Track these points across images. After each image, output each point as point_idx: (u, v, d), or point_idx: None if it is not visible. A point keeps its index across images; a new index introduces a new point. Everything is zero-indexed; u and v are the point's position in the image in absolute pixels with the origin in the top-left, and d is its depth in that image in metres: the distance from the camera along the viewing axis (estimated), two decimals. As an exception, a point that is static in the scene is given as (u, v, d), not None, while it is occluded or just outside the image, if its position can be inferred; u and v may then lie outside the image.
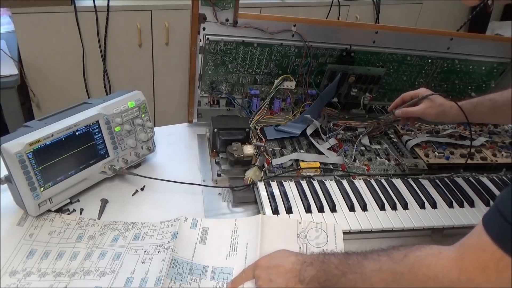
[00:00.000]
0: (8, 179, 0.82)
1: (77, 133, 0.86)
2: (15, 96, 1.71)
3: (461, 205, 0.95)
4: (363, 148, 1.11)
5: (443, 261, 0.57)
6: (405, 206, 0.93)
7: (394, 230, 0.88)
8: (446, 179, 1.03)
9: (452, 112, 0.99)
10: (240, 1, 1.02)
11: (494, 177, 1.05)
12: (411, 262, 0.60)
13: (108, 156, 0.94)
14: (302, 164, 1.00)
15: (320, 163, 1.01)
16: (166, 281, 0.71)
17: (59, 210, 0.89)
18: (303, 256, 0.74)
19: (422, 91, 1.05)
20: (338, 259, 0.69)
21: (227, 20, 1.05)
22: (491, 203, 0.95)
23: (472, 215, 0.92)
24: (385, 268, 0.63)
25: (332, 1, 2.14)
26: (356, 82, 1.19)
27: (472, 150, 1.11)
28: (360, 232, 0.87)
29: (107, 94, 1.85)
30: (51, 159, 0.83)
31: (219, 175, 0.99)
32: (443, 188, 0.99)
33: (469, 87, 1.33)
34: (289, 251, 0.76)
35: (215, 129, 1.02)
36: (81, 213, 0.90)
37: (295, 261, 0.72)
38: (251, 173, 0.95)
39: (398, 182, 1.00)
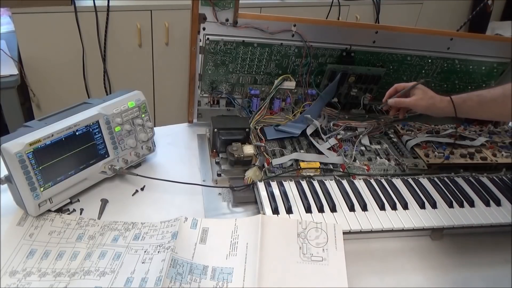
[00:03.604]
0: (8, 179, 0.82)
1: (77, 133, 0.86)
2: (15, 96, 1.71)
3: (461, 205, 0.95)
4: (363, 148, 1.11)
5: None
6: (405, 206, 0.93)
7: (394, 230, 0.88)
8: (446, 179, 1.03)
9: (442, 105, 1.00)
10: (240, 1, 1.02)
11: (494, 177, 1.05)
12: None
13: (108, 156, 0.94)
14: (302, 164, 1.00)
15: (320, 163, 1.01)
16: (166, 281, 0.71)
17: (59, 210, 0.89)
18: None
19: (414, 83, 1.06)
20: None
21: (227, 20, 1.05)
22: (491, 203, 0.95)
23: (472, 215, 0.92)
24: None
25: (332, 1, 2.14)
26: (356, 82, 1.19)
27: (472, 150, 1.11)
28: (360, 232, 0.87)
29: (107, 94, 1.85)
30: (51, 159, 0.83)
31: (219, 175, 0.99)
32: (443, 188, 0.99)
33: (469, 87, 1.33)
34: None
35: (215, 129, 1.02)
36: (81, 213, 0.90)
37: None
38: (251, 173, 0.95)
39: (398, 182, 1.00)
